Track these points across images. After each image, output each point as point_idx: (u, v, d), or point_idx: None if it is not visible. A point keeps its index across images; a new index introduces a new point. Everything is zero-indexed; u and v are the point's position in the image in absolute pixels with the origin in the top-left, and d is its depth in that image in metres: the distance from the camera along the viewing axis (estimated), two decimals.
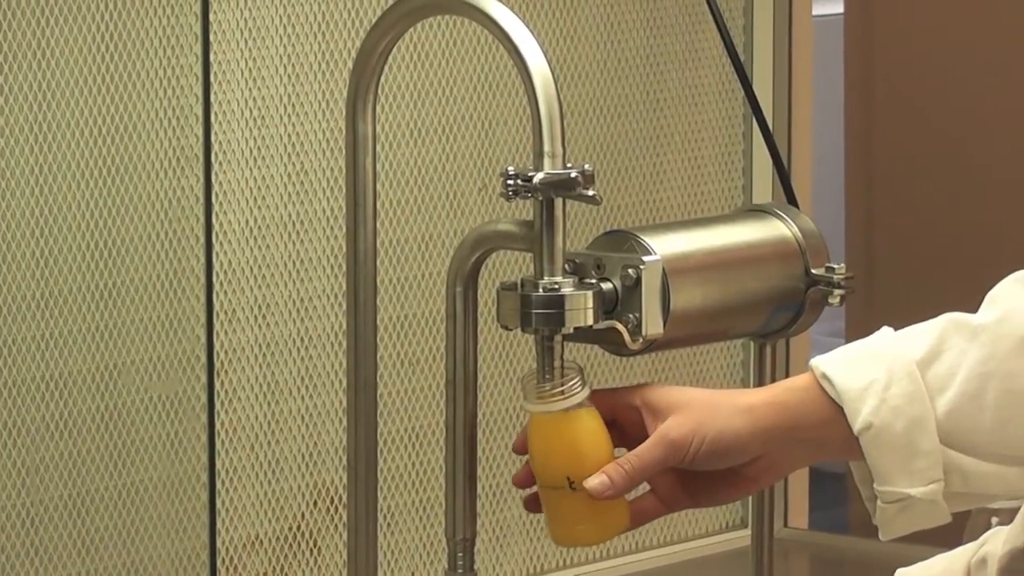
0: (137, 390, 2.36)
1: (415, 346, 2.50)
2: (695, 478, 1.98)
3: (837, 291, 2.11)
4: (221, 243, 2.36)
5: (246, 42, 2.45)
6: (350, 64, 2.21)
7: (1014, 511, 2.19)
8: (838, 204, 3.79)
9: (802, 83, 2.93)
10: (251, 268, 2.45)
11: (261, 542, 2.45)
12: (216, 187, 2.35)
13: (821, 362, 1.96)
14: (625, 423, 1.97)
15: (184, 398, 2.33)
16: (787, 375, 2.36)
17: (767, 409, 1.98)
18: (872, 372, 1.96)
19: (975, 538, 2.35)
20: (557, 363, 1.93)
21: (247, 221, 2.43)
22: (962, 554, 2.00)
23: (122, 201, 2.36)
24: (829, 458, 2.04)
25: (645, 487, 1.95)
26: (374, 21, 2.16)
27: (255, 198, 2.44)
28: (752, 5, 2.86)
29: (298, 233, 2.47)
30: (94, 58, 2.35)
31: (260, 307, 2.44)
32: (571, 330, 1.94)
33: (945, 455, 1.94)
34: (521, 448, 2.00)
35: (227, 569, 2.43)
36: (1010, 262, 2.09)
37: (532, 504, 1.98)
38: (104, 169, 2.36)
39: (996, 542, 1.92)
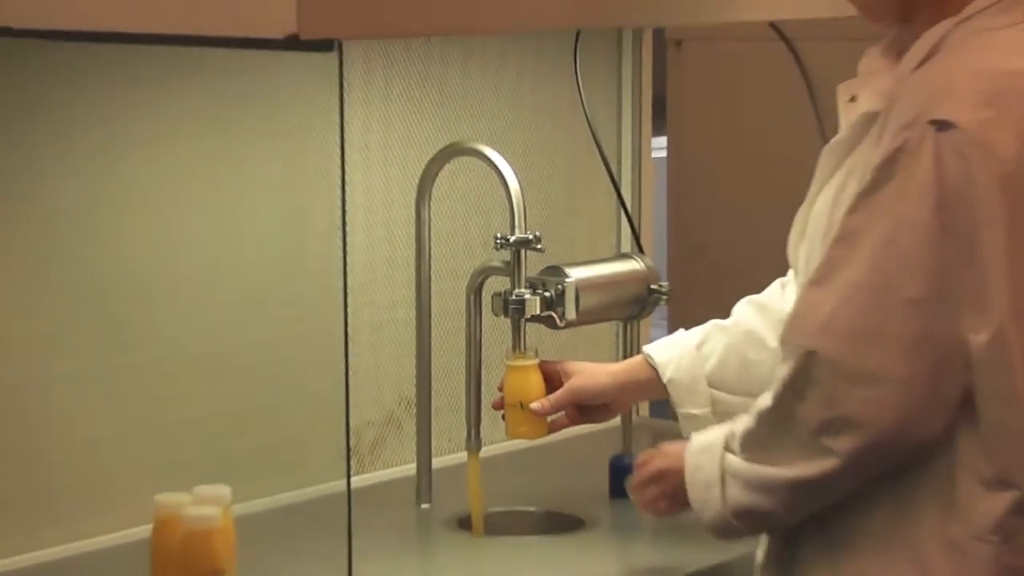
0: (311, 355, 2.65)
1: (451, 325, 2.68)
2: (587, 409, 2.45)
3: (663, 297, 2.65)
4: (351, 274, 2.47)
5: (363, 171, 2.72)
6: (417, 180, 2.59)
7: None
8: (663, 251, 3.78)
9: (647, 188, 3.17)
10: (368, 287, 2.73)
11: (372, 424, 2.76)
12: (349, 247, 2.58)
13: (648, 347, 2.42)
14: (552, 379, 2.45)
15: (330, 355, 2.37)
16: (638, 341, 2.74)
17: (622, 374, 2.46)
18: (672, 352, 2.40)
19: None
20: (522, 338, 2.45)
21: (364, 265, 2.73)
22: (722, 428, 2.08)
23: (305, 255, 2.66)
24: (653, 397, 2.61)
25: (562, 413, 2.44)
26: (429, 159, 2.59)
27: (368, 251, 2.73)
28: (620, 152, 3.09)
29: (389, 269, 2.75)
30: (296, 187, 2.65)
31: (371, 306, 2.73)
32: (528, 317, 2.46)
33: (712, 394, 2.38)
34: (498, 405, 2.46)
35: (355, 439, 2.70)
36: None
37: (504, 417, 2.44)
38: (301, 270, 2.67)
39: (740, 422, 2.03)
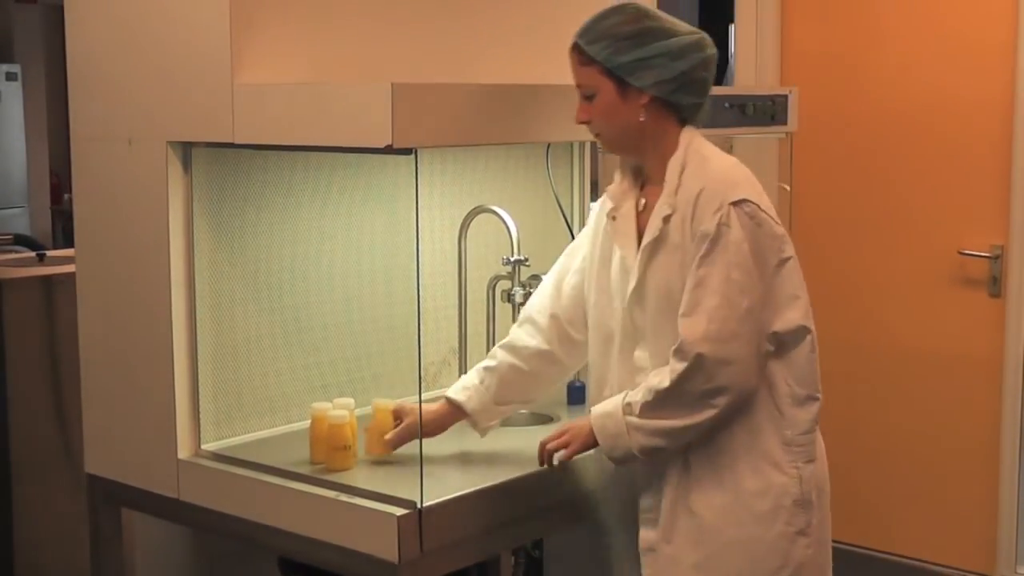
0: (399, 325, 2.48)
1: (477, 307, 2.52)
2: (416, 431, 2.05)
3: None
4: (421, 278, 2.36)
5: (428, 221, 2.55)
6: (459, 226, 2.49)
7: None
8: None
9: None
10: (430, 286, 2.54)
11: (434, 363, 2.59)
12: (421, 264, 2.33)
13: (448, 392, 2.08)
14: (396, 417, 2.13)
15: (409, 325, 2.31)
16: None
17: (437, 414, 2.07)
18: (467, 392, 2.08)
19: None
20: (517, 314, 2.28)
21: (429, 274, 2.53)
22: (613, 401, 1.88)
23: (396, 268, 2.48)
24: (460, 420, 2.12)
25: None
26: (465, 214, 2.48)
27: (431, 266, 2.55)
28: (572, 210, 2.82)
29: (443, 276, 2.57)
30: (393, 240, 2.48)
31: (432, 297, 2.56)
32: (520, 303, 2.35)
33: (500, 408, 2.10)
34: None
35: (424, 371, 2.52)
36: None
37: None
38: (394, 276, 2.48)
39: (638, 392, 1.84)
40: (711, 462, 1.86)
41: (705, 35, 1.88)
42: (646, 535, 1.91)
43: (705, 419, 1.82)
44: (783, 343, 1.84)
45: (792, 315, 1.83)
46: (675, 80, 1.83)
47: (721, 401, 1.81)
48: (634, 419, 1.83)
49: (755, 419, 1.85)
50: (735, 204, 1.81)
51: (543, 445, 1.96)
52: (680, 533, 1.86)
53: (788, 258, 1.85)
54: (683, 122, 1.89)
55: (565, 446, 1.93)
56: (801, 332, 1.85)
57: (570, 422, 1.97)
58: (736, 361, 1.79)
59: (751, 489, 1.83)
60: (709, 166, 1.86)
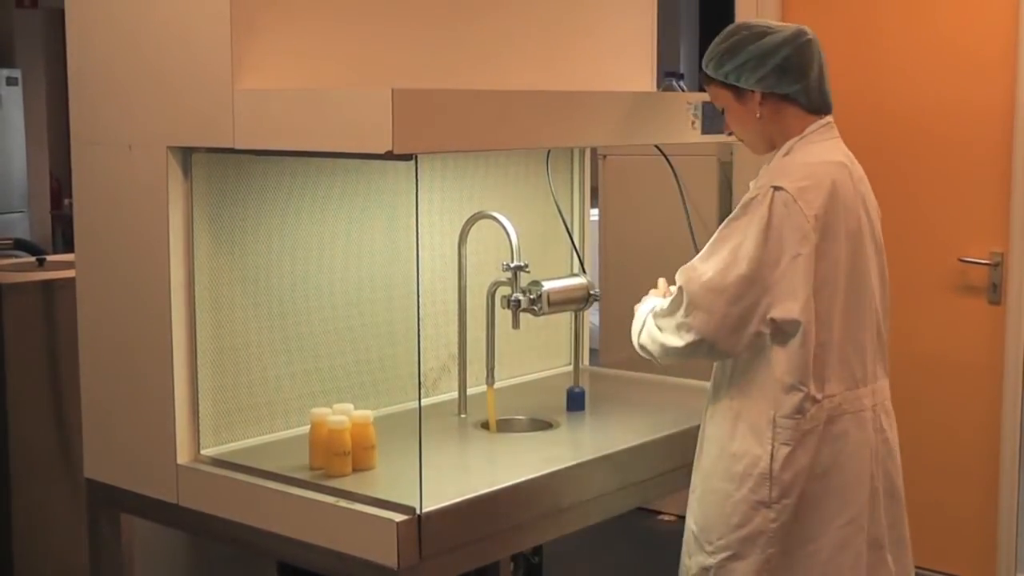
0: (399, 331, 2.51)
1: (477, 313, 2.51)
2: None
3: (596, 298, 2.56)
4: (421, 284, 2.49)
5: (428, 227, 2.57)
6: (458, 232, 2.48)
7: None
8: (597, 272, 3.60)
9: (587, 237, 2.96)
10: (430, 291, 2.58)
11: (433, 368, 2.62)
12: (420, 269, 2.48)
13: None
14: None
15: (409, 330, 2.43)
16: (582, 323, 2.72)
17: None
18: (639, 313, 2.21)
19: None
20: (518, 321, 2.38)
21: (429, 279, 2.57)
22: (655, 299, 2.17)
23: (395, 273, 2.51)
24: None
25: None
26: (465, 220, 2.47)
27: (431, 271, 2.58)
28: (572, 217, 2.89)
29: (443, 281, 2.59)
30: (392, 252, 2.50)
31: (432, 302, 2.59)
32: (521, 309, 2.39)
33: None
34: None
35: (424, 377, 2.57)
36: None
37: None
38: (394, 282, 2.50)
39: (658, 305, 2.10)
40: (721, 420, 2.07)
41: (798, 29, 2.07)
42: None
43: (677, 347, 2.03)
44: (782, 332, 1.98)
45: (791, 306, 1.96)
46: (772, 74, 2.05)
47: (689, 338, 2.01)
48: (651, 318, 2.10)
49: (755, 392, 2.02)
50: (774, 188, 1.99)
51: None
52: (696, 469, 2.14)
53: (804, 254, 1.97)
54: (807, 109, 2.08)
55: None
56: (795, 325, 1.98)
57: (659, 290, 2.23)
58: (711, 313, 1.97)
59: (734, 451, 2.03)
60: (788, 159, 2.06)
